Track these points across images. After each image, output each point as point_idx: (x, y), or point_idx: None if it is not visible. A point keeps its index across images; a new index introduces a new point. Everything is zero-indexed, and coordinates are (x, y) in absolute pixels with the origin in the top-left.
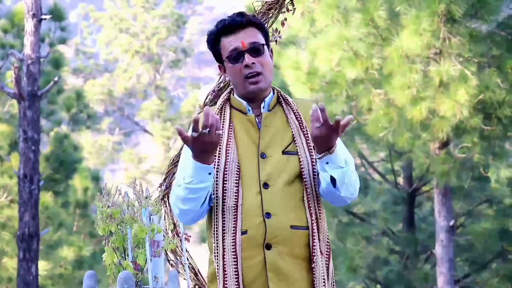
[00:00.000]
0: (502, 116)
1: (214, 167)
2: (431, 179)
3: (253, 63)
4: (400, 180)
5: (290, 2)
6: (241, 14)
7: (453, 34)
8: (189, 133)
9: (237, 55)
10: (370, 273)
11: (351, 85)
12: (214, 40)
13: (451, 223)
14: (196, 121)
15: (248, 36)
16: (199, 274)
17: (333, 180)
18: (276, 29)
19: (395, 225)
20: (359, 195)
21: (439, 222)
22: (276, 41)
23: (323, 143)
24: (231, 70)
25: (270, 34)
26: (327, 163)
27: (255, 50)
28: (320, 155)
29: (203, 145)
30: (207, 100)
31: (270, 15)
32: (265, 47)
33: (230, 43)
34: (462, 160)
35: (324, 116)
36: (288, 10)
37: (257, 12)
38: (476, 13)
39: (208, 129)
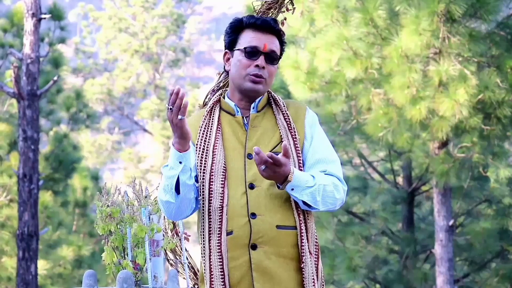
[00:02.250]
0: (501, 115)
1: (201, 169)
2: (431, 179)
3: (263, 67)
4: (400, 179)
5: (289, 1)
6: (274, 21)
7: (453, 33)
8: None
9: (254, 52)
10: (369, 273)
11: (351, 84)
12: (238, 27)
13: (451, 222)
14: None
15: (271, 43)
16: (198, 274)
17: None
18: None
19: (394, 225)
20: (358, 195)
21: (438, 222)
22: None
23: (278, 177)
24: (239, 61)
25: None
26: (292, 189)
27: (271, 58)
28: (282, 186)
29: (172, 126)
30: (206, 100)
31: (270, 14)
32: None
33: (253, 38)
34: (461, 160)
35: (262, 157)
36: (287, 9)
37: (257, 11)
38: (475, 13)
39: (170, 106)
